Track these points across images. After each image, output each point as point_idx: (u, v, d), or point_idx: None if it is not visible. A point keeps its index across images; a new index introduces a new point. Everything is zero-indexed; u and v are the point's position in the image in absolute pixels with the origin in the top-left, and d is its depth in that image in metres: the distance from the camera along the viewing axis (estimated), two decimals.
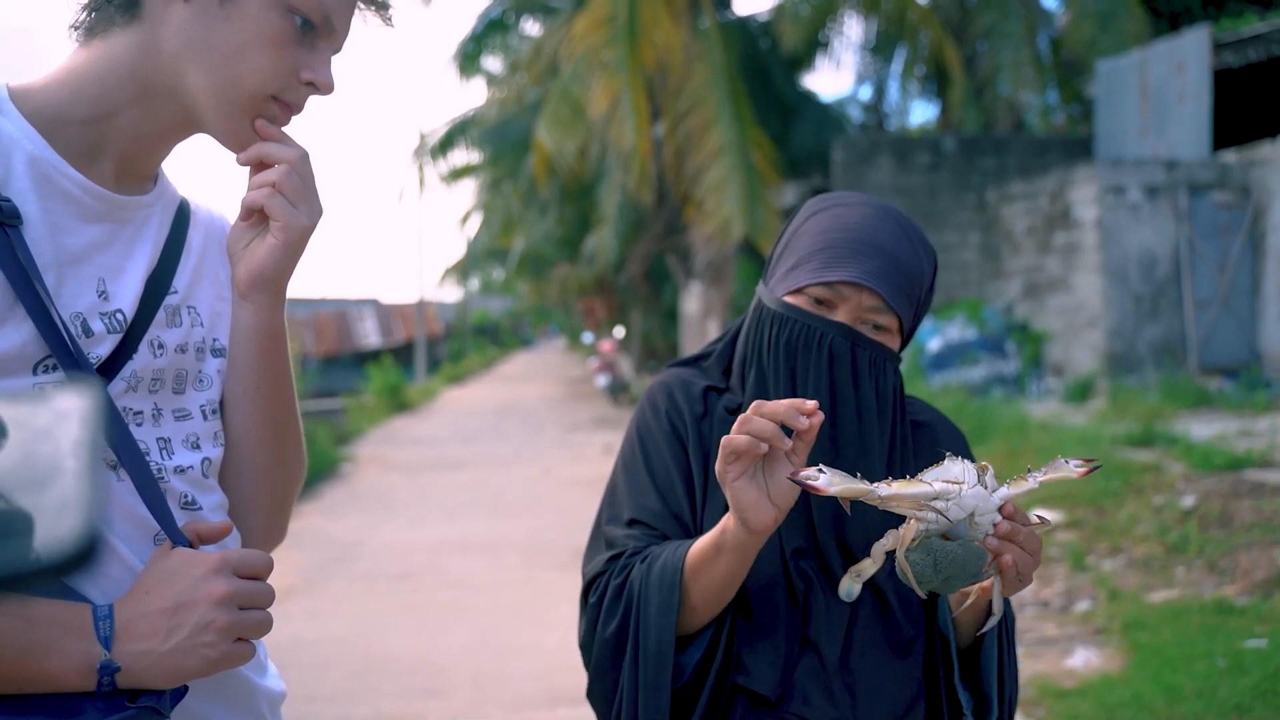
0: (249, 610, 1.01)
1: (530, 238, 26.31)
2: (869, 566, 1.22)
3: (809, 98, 17.59)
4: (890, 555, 1.22)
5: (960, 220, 13.77)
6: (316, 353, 26.04)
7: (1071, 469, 1.20)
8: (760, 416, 1.17)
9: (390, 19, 1.19)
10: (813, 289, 1.35)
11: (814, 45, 16.47)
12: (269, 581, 1.06)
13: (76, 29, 1.10)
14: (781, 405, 1.17)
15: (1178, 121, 12.46)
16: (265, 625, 1.03)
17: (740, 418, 1.19)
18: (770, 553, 1.34)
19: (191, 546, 1.05)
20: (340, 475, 11.29)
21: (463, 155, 21.82)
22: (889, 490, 1.16)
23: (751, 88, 15.00)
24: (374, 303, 35.69)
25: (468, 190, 29.52)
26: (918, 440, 1.44)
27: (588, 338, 34.43)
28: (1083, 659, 4.63)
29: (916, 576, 1.19)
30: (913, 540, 1.18)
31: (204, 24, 1.08)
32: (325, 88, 1.14)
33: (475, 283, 47.19)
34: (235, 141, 1.14)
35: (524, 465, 11.52)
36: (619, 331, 26.26)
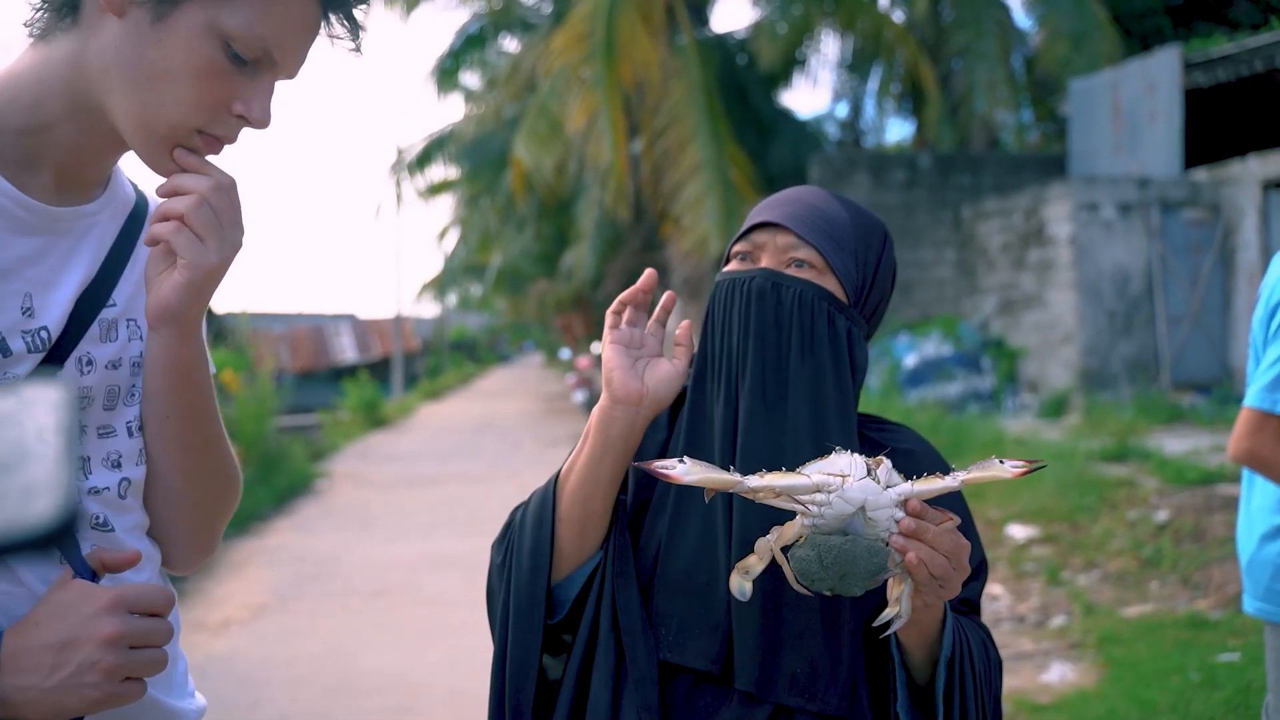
0: (141, 649, 0.97)
1: (508, 253, 26.31)
2: (755, 563, 1.18)
3: (786, 115, 17.70)
4: (784, 551, 1.17)
5: (936, 237, 13.86)
6: (292, 368, 25.88)
7: (1005, 469, 1.11)
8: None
9: (360, 48, 1.14)
10: (736, 247, 1.41)
11: (791, 63, 16.58)
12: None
13: (28, 26, 1.07)
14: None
15: (1150, 140, 12.60)
16: (158, 664, 0.99)
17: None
18: (712, 538, 1.33)
19: (96, 575, 1.01)
20: (315, 491, 11.21)
21: (440, 171, 21.83)
22: (759, 481, 1.11)
23: (729, 104, 15.07)
24: (351, 318, 35.51)
25: (445, 206, 29.49)
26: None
27: (565, 353, 34.39)
28: (1058, 674, 4.65)
29: (803, 573, 1.14)
30: (800, 537, 1.14)
31: (134, 43, 1.02)
32: (258, 124, 1.08)
33: (453, 298, 47.09)
34: (156, 168, 1.09)
35: (501, 481, 11.47)
36: (596, 347, 26.27)
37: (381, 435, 17.91)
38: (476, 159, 20.19)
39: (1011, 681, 4.57)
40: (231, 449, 1.24)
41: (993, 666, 1.34)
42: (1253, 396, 2.17)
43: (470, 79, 21.67)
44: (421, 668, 5.07)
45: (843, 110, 19.88)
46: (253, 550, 8.02)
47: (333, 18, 1.11)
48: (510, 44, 20.17)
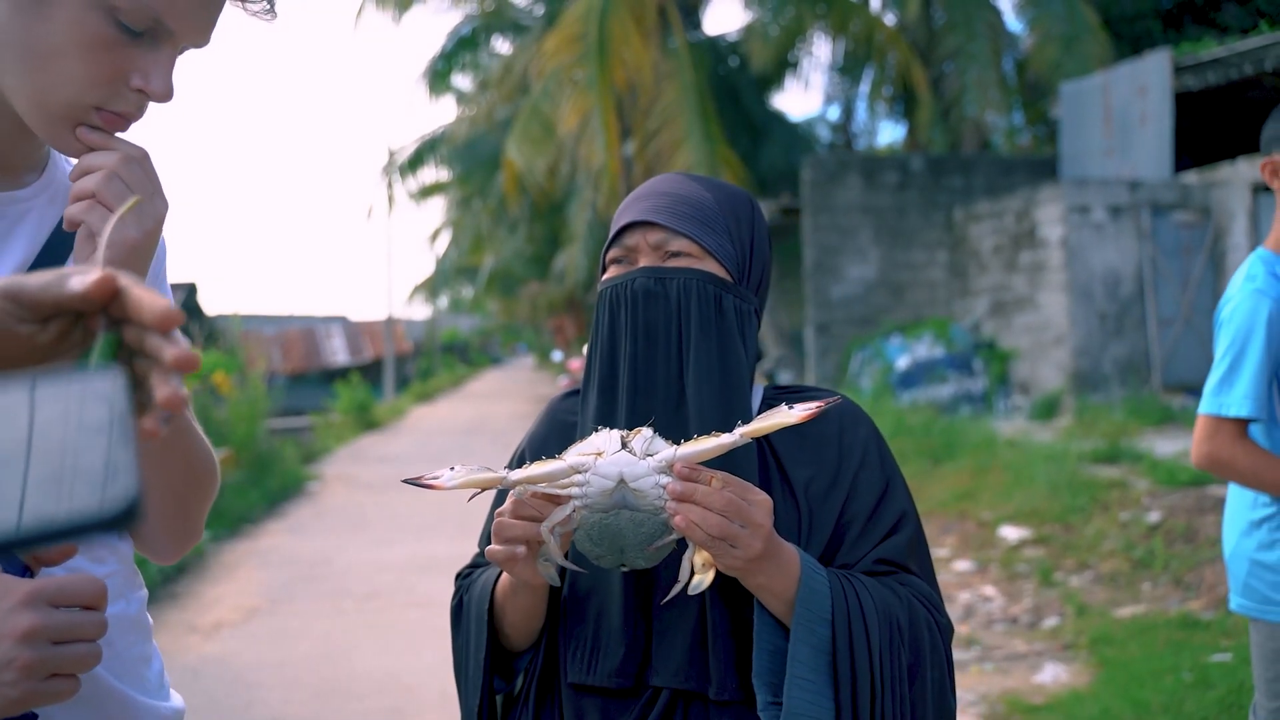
0: (66, 645, 0.90)
1: (500, 255, 26.33)
2: (550, 547, 1.19)
3: (778, 117, 17.74)
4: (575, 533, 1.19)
5: (928, 239, 13.89)
6: (284, 370, 25.81)
7: (792, 414, 1.10)
8: (515, 518, 1.18)
9: (270, 10, 1.08)
10: (610, 254, 1.39)
11: (783, 65, 16.61)
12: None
13: None
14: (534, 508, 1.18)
15: (1140, 143, 12.64)
16: (88, 659, 0.92)
17: (496, 523, 1.19)
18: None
19: (29, 568, 0.96)
20: (307, 494, 11.18)
21: (432, 173, 21.84)
22: (521, 474, 1.13)
23: (721, 107, 15.10)
24: (342, 320, 35.45)
25: (437, 208, 29.48)
26: (808, 433, 1.34)
27: (557, 356, 34.38)
28: (1051, 674, 4.66)
29: (586, 552, 1.18)
30: (571, 518, 1.15)
31: (18, 20, 0.97)
32: (159, 96, 1.03)
33: (444, 300, 47.12)
34: (61, 149, 1.05)
35: None
36: (588, 350, 26.24)
37: (373, 437, 17.88)
38: (468, 161, 20.20)
39: (1005, 682, 4.58)
40: (202, 435, 1.20)
41: (911, 628, 1.25)
42: (1204, 403, 2.21)
43: (462, 81, 21.67)
44: (413, 669, 5.06)
45: (834, 113, 19.94)
46: (244, 552, 7.99)
47: None
48: (502, 46, 20.18)
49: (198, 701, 4.60)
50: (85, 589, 0.92)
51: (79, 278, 0.70)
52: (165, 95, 1.03)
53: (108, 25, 0.98)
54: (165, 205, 1.05)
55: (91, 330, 0.72)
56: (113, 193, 1.00)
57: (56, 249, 1.09)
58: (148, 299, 0.69)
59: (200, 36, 1.05)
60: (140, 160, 1.03)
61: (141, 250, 1.03)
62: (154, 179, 1.04)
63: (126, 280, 0.70)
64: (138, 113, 1.05)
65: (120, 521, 0.61)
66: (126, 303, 0.70)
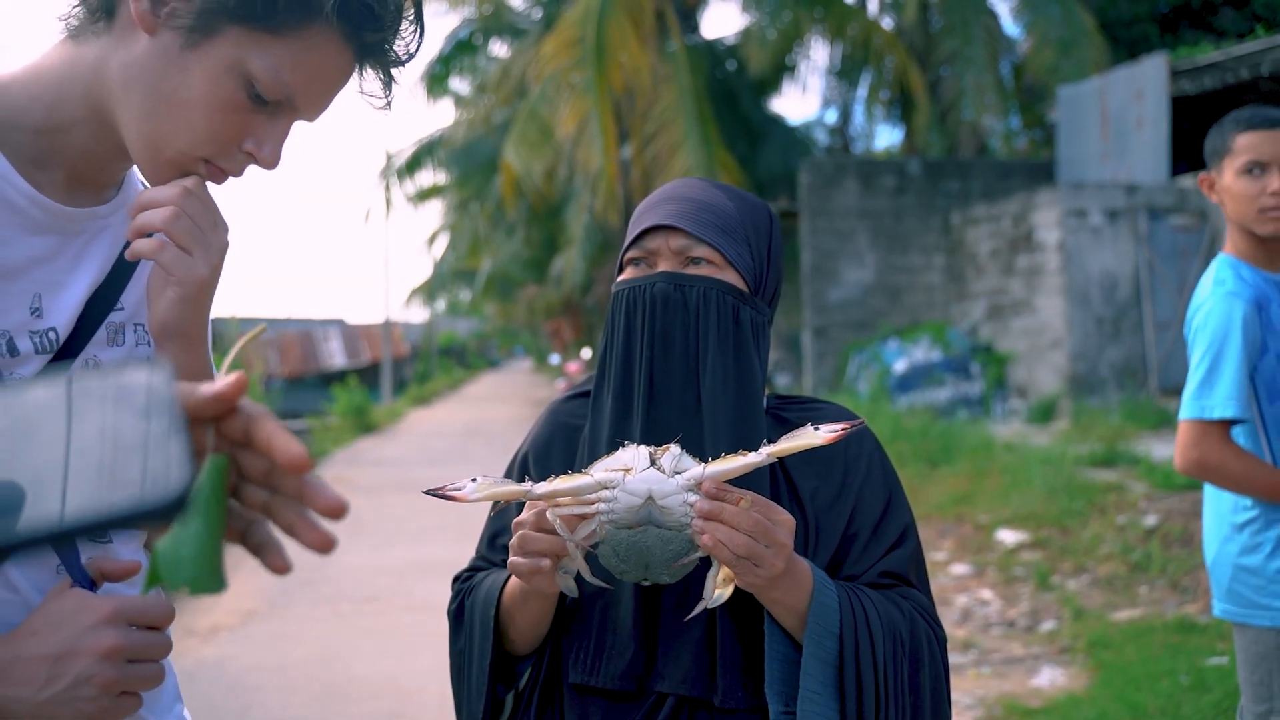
0: (138, 663, 0.93)
1: (497, 259, 26.34)
2: (569, 561, 1.19)
3: (775, 121, 17.76)
4: (594, 547, 1.19)
5: (925, 242, 13.90)
6: (281, 373, 25.82)
7: (818, 436, 1.10)
8: (538, 530, 1.18)
9: (390, 105, 1.11)
10: (629, 254, 1.38)
11: (780, 69, 16.64)
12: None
13: (63, 21, 1.05)
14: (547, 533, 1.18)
15: (1137, 147, 12.67)
16: (155, 679, 0.96)
17: (517, 536, 1.19)
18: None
19: (94, 584, 0.99)
20: None
21: (430, 176, 21.84)
22: (546, 487, 1.13)
23: (719, 110, 15.11)
24: (340, 323, 35.46)
25: (435, 211, 29.51)
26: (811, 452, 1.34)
27: (554, 359, 34.42)
28: (1049, 678, 4.66)
29: (611, 567, 1.18)
30: (596, 532, 1.15)
31: (159, 65, 1.00)
32: (266, 164, 1.07)
33: (442, 304, 47.07)
34: (154, 185, 1.07)
35: None
36: (586, 353, 26.25)
37: (370, 440, 17.86)
38: (466, 164, 20.22)
39: (1002, 685, 4.58)
40: None
41: (911, 641, 1.27)
42: (1185, 408, 2.20)
43: (460, 84, 21.67)
44: (412, 673, 5.06)
45: (832, 116, 19.98)
46: (242, 555, 7.94)
47: (368, 73, 1.08)
48: (500, 49, 20.19)
49: (196, 705, 4.60)
50: (159, 611, 0.96)
51: (211, 384, 0.70)
52: (273, 164, 1.07)
53: (241, 91, 1.02)
54: (227, 231, 1.08)
55: (200, 447, 0.71)
56: (181, 230, 1.02)
57: (127, 263, 1.12)
58: (280, 439, 0.70)
59: (317, 114, 1.08)
60: (198, 191, 1.05)
61: (211, 285, 1.06)
62: (213, 209, 1.06)
63: (254, 405, 0.71)
64: (240, 173, 1.08)
65: (174, 510, 0.63)
66: (253, 432, 0.71)
